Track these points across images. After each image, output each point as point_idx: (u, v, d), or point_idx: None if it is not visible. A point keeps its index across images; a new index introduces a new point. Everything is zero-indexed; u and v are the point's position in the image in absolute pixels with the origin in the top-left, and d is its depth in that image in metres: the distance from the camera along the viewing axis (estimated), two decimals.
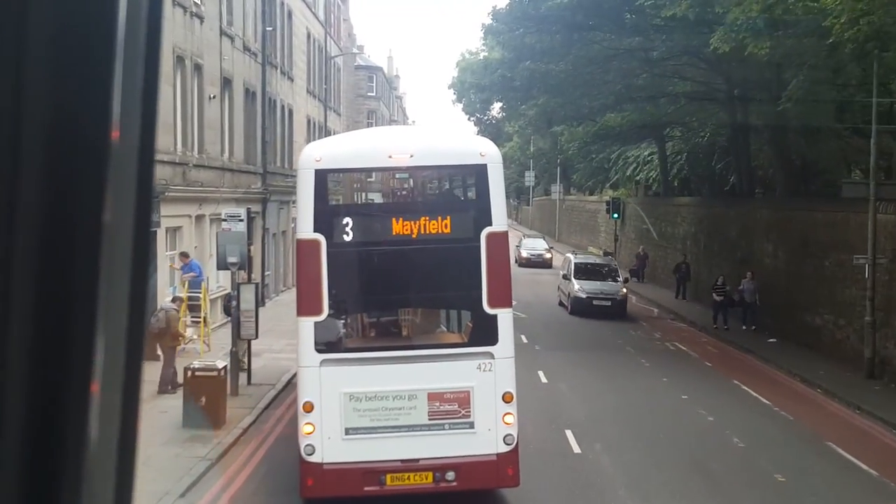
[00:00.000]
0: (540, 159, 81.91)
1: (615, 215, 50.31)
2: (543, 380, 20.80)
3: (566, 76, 29.22)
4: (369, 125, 70.27)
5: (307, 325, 11.51)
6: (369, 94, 70.19)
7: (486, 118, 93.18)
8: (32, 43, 0.74)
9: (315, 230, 11.55)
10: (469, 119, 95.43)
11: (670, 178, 46.32)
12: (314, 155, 12.12)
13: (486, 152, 12.07)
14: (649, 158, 49.04)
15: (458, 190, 14.06)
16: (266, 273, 29.93)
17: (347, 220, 11.87)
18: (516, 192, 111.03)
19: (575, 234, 68.59)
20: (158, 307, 18.13)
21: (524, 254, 52.42)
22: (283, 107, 34.66)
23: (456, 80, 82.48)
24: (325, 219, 11.71)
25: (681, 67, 31.57)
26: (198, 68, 23.49)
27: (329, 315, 11.62)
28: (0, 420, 0.77)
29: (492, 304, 11.68)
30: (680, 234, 39.52)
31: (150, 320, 17.14)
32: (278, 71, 33.61)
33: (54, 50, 0.75)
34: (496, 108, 76.16)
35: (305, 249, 11.70)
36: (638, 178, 51.52)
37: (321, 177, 11.74)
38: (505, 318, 11.77)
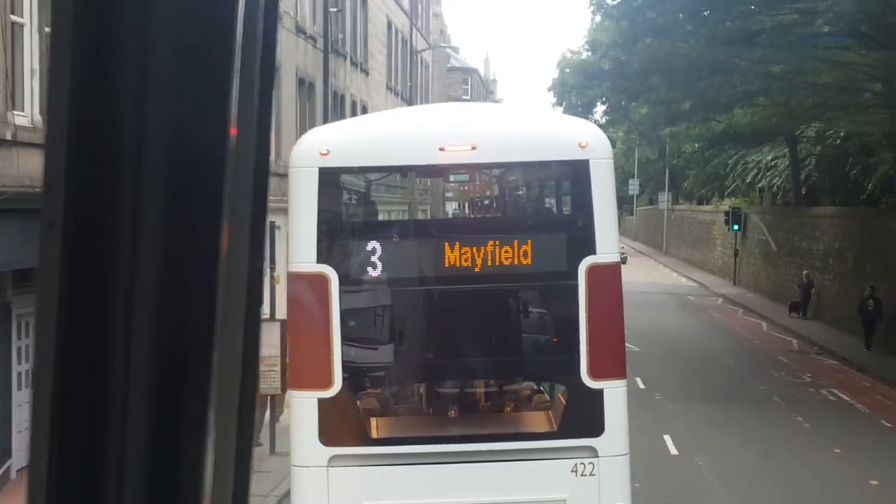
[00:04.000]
0: (646, 167, 76.42)
1: (735, 227, 44.56)
2: (672, 450, 15.64)
3: (696, 58, 23.45)
4: None
5: (307, 404, 7.50)
6: (464, 97, 65.66)
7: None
8: (155, 42, 0.76)
9: (319, 260, 7.42)
10: None
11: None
12: (318, 145, 7.81)
13: (589, 142, 7.90)
14: (773, 163, 43.12)
15: (547, 199, 10.18)
16: None
17: (373, 245, 7.63)
18: (619, 202, 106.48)
19: (685, 248, 62.55)
20: None
21: None
22: (353, 102, 30.21)
23: (556, 81, 77.31)
24: (336, 243, 7.73)
25: (830, 52, 25.61)
26: None
27: (342, 389, 7.54)
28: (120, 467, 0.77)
29: (595, 374, 7.73)
30: (819, 251, 33.52)
31: None
32: (348, 61, 29.16)
33: (176, 48, 0.77)
34: (599, 112, 71.08)
35: (304, 289, 7.57)
36: (760, 185, 45.54)
37: (329, 179, 7.75)
38: (615, 396, 7.82)
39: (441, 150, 7.76)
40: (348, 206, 8.79)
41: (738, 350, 26.63)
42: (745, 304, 37.63)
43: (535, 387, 8.74)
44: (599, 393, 7.72)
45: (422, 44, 45.33)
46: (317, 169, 7.43)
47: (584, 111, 77.56)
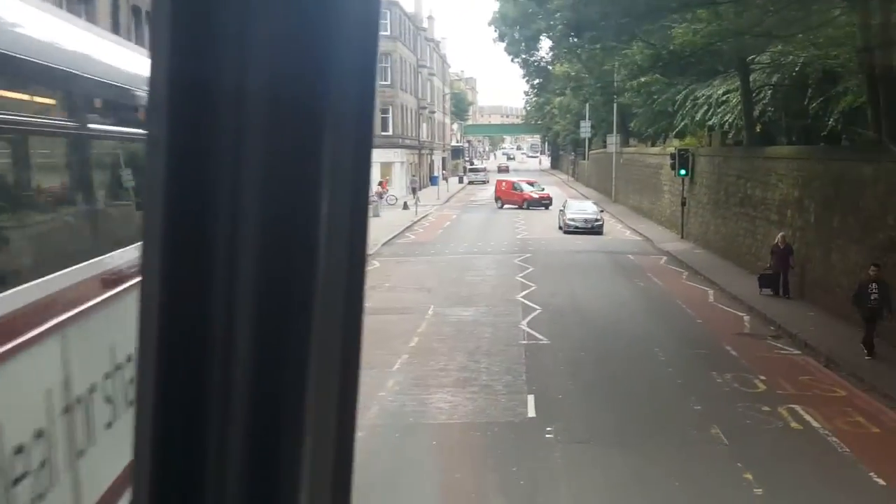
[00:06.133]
0: (599, 108, 70.24)
1: (682, 172, 38.75)
2: None
3: None
4: (382, 69, 59.31)
5: None
6: (381, 32, 58.66)
7: (532, 59, 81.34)
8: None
9: None
10: (513, 61, 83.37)
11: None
12: None
13: None
14: (724, 98, 37.24)
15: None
16: None
17: None
18: (573, 145, 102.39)
19: (633, 195, 56.68)
20: None
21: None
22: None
23: (497, 14, 70.22)
24: None
25: None
26: None
27: None
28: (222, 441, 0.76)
29: None
30: (775, 200, 27.64)
31: None
32: None
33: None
34: (545, 48, 64.30)
35: None
36: (710, 122, 39.68)
37: None
38: None
39: None
40: None
41: (674, 335, 20.72)
42: (692, 263, 31.87)
43: None
44: None
45: None
46: None
47: (529, 46, 71.33)
